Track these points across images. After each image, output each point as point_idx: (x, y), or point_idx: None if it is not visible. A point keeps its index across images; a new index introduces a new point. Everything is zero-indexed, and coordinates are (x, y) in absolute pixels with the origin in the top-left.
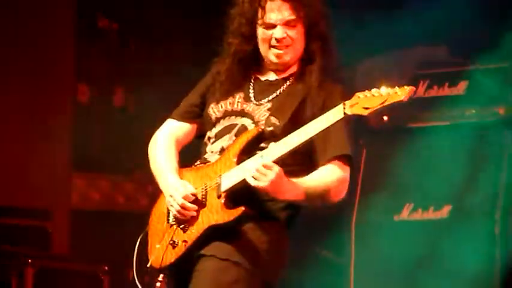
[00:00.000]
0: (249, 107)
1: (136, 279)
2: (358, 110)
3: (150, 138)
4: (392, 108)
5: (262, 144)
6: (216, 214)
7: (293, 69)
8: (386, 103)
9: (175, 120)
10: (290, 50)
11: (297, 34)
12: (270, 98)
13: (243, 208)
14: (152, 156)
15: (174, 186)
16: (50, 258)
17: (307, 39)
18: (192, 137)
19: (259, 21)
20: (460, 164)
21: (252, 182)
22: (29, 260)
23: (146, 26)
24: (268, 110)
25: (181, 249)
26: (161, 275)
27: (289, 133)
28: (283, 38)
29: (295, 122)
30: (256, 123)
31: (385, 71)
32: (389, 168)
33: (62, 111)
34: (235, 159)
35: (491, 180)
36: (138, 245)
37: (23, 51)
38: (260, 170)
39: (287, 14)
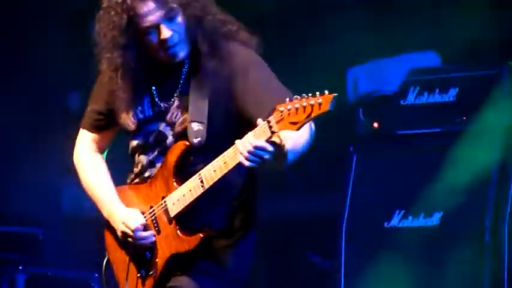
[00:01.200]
0: (159, 109)
1: None
2: (286, 127)
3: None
4: (382, 115)
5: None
6: (173, 241)
7: (186, 58)
8: (312, 116)
9: (87, 131)
10: (181, 44)
11: (180, 25)
12: (175, 94)
13: (201, 235)
14: (83, 177)
15: (122, 217)
16: (41, 265)
17: (189, 23)
18: (110, 141)
19: (139, 28)
20: (451, 170)
21: (247, 163)
22: (20, 267)
23: None
24: (177, 107)
25: (151, 281)
26: None
27: (215, 131)
28: (170, 35)
29: (215, 117)
30: (170, 125)
31: (375, 77)
32: (380, 174)
33: (54, 117)
34: (173, 180)
35: (482, 187)
36: (104, 272)
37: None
38: (253, 152)
39: (162, 8)
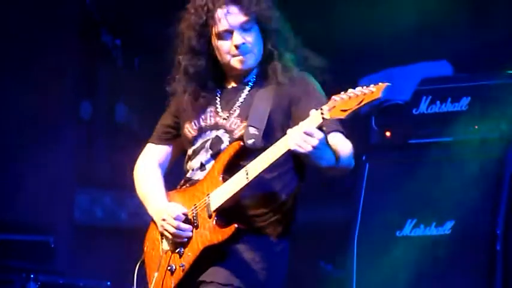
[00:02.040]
0: (221, 119)
1: None
2: (337, 113)
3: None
4: (395, 124)
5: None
6: (209, 234)
7: (253, 72)
8: (363, 103)
9: (153, 144)
10: (251, 54)
11: (254, 36)
12: (237, 104)
13: (235, 225)
14: (138, 184)
15: (165, 209)
16: (53, 273)
17: (263, 37)
18: (174, 157)
19: (213, 32)
20: (463, 179)
21: (294, 148)
22: (32, 275)
23: (150, 42)
24: (238, 116)
25: (179, 274)
26: None
27: (269, 140)
28: (242, 43)
29: (272, 127)
30: (229, 132)
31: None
32: (392, 183)
33: (66, 127)
34: (220, 177)
35: (494, 195)
36: (137, 273)
37: (26, 66)
38: (303, 137)
39: (239, 17)
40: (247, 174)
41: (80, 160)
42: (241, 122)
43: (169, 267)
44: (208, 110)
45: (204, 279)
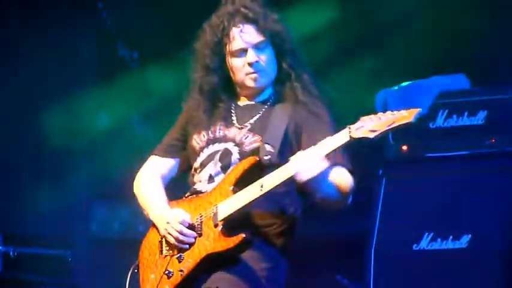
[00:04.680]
0: (231, 132)
1: None
2: (365, 133)
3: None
4: (411, 138)
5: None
6: (213, 242)
7: (268, 91)
8: (393, 125)
9: (158, 157)
10: (264, 73)
11: (268, 56)
12: (252, 121)
13: (243, 235)
14: (140, 193)
15: (169, 214)
16: (70, 287)
17: (278, 58)
18: (177, 171)
19: (227, 51)
20: (479, 193)
21: (296, 174)
22: None
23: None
24: (250, 130)
25: (176, 279)
26: None
27: (284, 158)
28: (256, 61)
29: (287, 146)
30: (238, 145)
31: (404, 100)
32: (409, 197)
33: (83, 138)
34: (231, 188)
35: (510, 209)
36: (130, 278)
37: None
38: (307, 164)
39: (254, 37)
40: (261, 186)
41: (96, 172)
42: (253, 136)
43: (166, 272)
44: (219, 123)
45: (209, 286)
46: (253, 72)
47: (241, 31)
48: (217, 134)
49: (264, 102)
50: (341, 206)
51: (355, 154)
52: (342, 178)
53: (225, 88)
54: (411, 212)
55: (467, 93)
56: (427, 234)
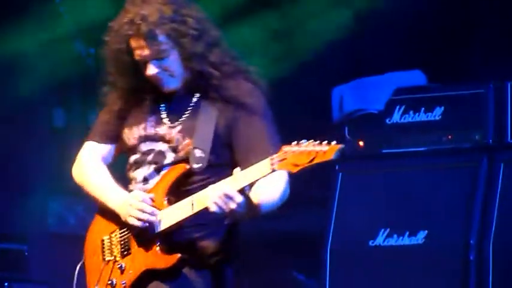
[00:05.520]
0: (162, 130)
1: None
2: (287, 167)
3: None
4: (368, 134)
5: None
6: (151, 257)
7: (190, 82)
8: (314, 161)
9: (95, 143)
10: (171, 78)
11: (172, 61)
12: (182, 119)
13: (178, 255)
14: (86, 178)
15: (130, 196)
16: (27, 281)
17: (187, 57)
18: (114, 156)
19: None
20: (436, 189)
21: (213, 208)
22: (6, 283)
23: None
24: (181, 132)
25: None
26: None
27: (214, 162)
28: (156, 73)
29: (218, 148)
30: (172, 149)
31: (360, 96)
32: (365, 193)
33: (40, 135)
34: (165, 200)
35: (466, 205)
36: (77, 275)
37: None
38: (222, 199)
39: (147, 51)
40: (192, 206)
41: (52, 168)
42: (183, 138)
43: (109, 282)
44: (150, 119)
45: None
46: (158, 80)
47: (136, 44)
48: (148, 131)
49: (190, 92)
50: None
51: None
52: (271, 186)
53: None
54: (367, 208)
55: (424, 89)
56: (383, 230)
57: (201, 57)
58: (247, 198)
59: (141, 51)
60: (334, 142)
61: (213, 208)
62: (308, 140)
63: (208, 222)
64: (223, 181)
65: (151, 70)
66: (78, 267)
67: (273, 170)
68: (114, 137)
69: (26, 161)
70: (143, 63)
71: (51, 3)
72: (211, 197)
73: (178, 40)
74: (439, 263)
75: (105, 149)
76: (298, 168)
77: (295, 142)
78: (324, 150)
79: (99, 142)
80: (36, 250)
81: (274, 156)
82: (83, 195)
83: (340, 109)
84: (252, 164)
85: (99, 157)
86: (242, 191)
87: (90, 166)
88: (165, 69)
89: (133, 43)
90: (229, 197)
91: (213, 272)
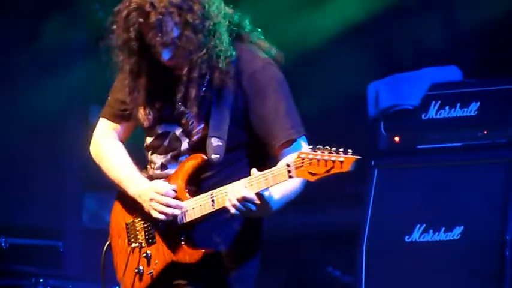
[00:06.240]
0: (176, 112)
1: None
2: (304, 175)
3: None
4: (404, 129)
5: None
6: (177, 250)
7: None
8: (331, 172)
9: (108, 121)
10: (184, 61)
11: (182, 44)
12: (196, 102)
13: (203, 251)
14: (102, 158)
15: (152, 187)
16: (62, 278)
17: (195, 43)
18: (129, 133)
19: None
20: (471, 184)
21: (232, 210)
22: (41, 279)
23: None
24: (196, 116)
25: (147, 281)
26: None
27: (232, 149)
28: (170, 58)
29: (235, 134)
30: (187, 133)
31: (396, 92)
32: (401, 188)
33: (75, 131)
34: (186, 191)
35: (502, 201)
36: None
37: (36, 69)
38: (241, 202)
39: (159, 39)
40: (212, 202)
41: (88, 164)
42: (198, 122)
43: (137, 270)
44: (163, 98)
45: (179, 282)
46: (171, 65)
47: (147, 31)
48: (163, 112)
49: (203, 74)
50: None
51: (347, 144)
52: (289, 189)
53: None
54: (403, 204)
55: (459, 84)
56: (419, 226)
57: (206, 42)
58: (263, 200)
59: (153, 38)
60: (350, 151)
61: (232, 210)
62: (324, 146)
63: (231, 217)
64: (241, 182)
65: (164, 56)
66: (105, 247)
67: (290, 177)
68: (127, 116)
69: (61, 158)
70: (155, 49)
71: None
72: (230, 199)
73: (186, 26)
74: (475, 259)
75: (118, 127)
76: (315, 178)
77: (311, 147)
78: (340, 161)
79: (112, 121)
80: (71, 246)
81: (291, 163)
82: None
83: (376, 105)
84: (271, 146)
85: (114, 135)
86: (259, 194)
87: (106, 146)
88: (176, 55)
89: (144, 29)
90: (248, 200)
91: (237, 265)
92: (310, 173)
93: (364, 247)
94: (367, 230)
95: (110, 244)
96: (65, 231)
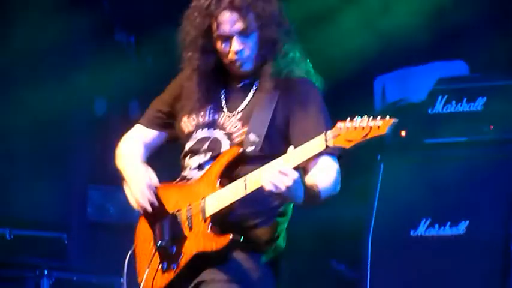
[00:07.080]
0: (220, 118)
1: None
2: (341, 143)
3: (168, 151)
4: (410, 124)
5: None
6: (202, 240)
7: (256, 72)
8: (368, 136)
9: (143, 126)
10: (249, 59)
11: (253, 41)
12: (241, 108)
13: (230, 236)
14: (119, 156)
15: (141, 175)
16: (66, 270)
17: (262, 41)
18: (161, 143)
19: (215, 34)
20: (477, 179)
21: (268, 187)
22: (45, 271)
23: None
24: (240, 120)
25: (171, 275)
26: None
27: (270, 147)
28: (241, 49)
29: (273, 135)
30: (228, 135)
31: (403, 86)
32: (407, 183)
33: (80, 124)
34: (217, 182)
35: (508, 196)
36: (128, 262)
37: (40, 63)
38: (278, 177)
39: (238, 24)
40: (245, 186)
41: (93, 157)
42: (242, 126)
43: (160, 266)
44: (209, 107)
45: (204, 279)
46: (237, 60)
47: (226, 17)
48: (206, 118)
49: (251, 83)
50: (326, 201)
51: None
52: (324, 172)
53: (219, 69)
54: (409, 198)
55: (466, 79)
56: (424, 220)
57: (275, 44)
58: (302, 180)
59: (230, 26)
60: (387, 116)
61: (268, 187)
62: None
63: (262, 210)
64: (276, 160)
65: (236, 46)
66: (128, 255)
67: (327, 146)
68: (164, 125)
69: (66, 150)
70: (226, 40)
71: None
72: (266, 176)
73: (263, 21)
74: (480, 253)
75: (151, 134)
76: (351, 144)
77: (349, 118)
78: (378, 124)
79: (147, 127)
80: (75, 238)
81: (328, 132)
82: (122, 185)
83: (383, 98)
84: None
85: (141, 140)
86: (297, 169)
87: (128, 144)
88: (246, 48)
89: (221, 17)
90: (285, 174)
91: (264, 257)
92: (347, 140)
93: (369, 241)
94: (372, 224)
95: (133, 252)
96: (70, 224)
